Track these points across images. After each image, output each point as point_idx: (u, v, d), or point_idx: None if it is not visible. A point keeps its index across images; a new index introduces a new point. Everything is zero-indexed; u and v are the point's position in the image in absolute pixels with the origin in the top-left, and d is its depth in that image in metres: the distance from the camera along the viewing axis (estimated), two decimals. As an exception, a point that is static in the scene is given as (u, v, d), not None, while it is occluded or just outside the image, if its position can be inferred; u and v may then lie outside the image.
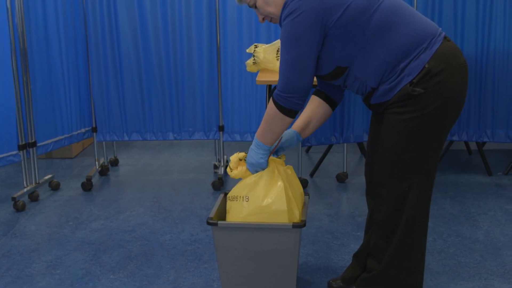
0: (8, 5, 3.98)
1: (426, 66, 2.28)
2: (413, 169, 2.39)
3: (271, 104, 2.44)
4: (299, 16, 2.28)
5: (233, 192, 2.66)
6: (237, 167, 2.66)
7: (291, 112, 2.42)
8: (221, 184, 4.48)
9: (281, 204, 2.57)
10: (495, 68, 4.44)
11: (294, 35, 2.30)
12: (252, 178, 2.60)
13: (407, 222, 2.43)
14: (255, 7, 2.49)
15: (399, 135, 2.35)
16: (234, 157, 2.67)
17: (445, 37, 2.37)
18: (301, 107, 2.42)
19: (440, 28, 2.41)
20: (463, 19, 4.37)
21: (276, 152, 2.68)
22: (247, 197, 2.59)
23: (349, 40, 2.31)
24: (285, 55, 2.35)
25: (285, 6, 2.34)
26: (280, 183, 2.59)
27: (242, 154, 2.66)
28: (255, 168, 2.60)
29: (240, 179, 2.69)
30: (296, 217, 2.62)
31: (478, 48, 4.42)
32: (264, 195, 2.57)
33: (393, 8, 2.33)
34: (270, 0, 2.42)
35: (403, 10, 2.35)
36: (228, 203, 2.71)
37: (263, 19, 2.53)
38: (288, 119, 2.45)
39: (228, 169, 2.71)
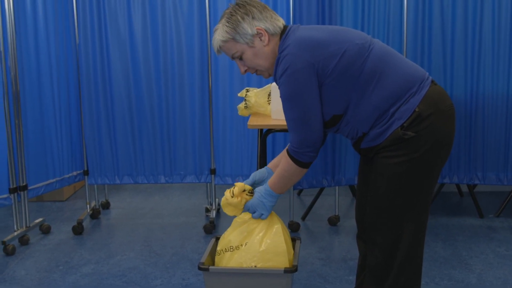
0: (1, 48, 4.01)
1: (416, 110, 2.30)
2: (405, 213, 2.39)
3: (288, 160, 2.44)
4: (295, 72, 2.29)
5: (228, 243, 2.64)
6: (238, 197, 2.62)
7: (308, 164, 2.44)
8: (213, 228, 4.46)
9: (280, 246, 2.57)
10: (484, 112, 4.48)
11: (294, 92, 2.32)
12: (249, 226, 2.60)
13: (400, 265, 2.42)
14: (240, 58, 2.48)
15: (390, 179, 2.36)
16: (240, 185, 2.60)
17: (432, 81, 2.41)
18: (316, 157, 2.45)
19: (427, 73, 2.44)
20: (452, 64, 4.42)
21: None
22: (245, 243, 2.59)
23: (343, 88, 2.34)
24: (290, 112, 2.37)
25: (278, 63, 2.35)
26: (277, 225, 2.60)
27: (248, 188, 2.62)
28: (260, 213, 2.59)
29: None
30: (291, 256, 2.62)
31: (467, 91, 4.46)
32: (262, 238, 2.57)
33: (382, 54, 2.36)
34: (260, 52, 2.43)
35: (391, 56, 2.39)
36: (220, 256, 2.68)
37: (246, 70, 2.52)
38: (305, 170, 2.47)
39: (227, 195, 2.60)
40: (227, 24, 2.42)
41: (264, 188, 2.57)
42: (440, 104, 2.35)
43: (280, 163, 2.53)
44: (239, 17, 2.40)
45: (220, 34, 2.44)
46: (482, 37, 4.38)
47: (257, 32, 2.40)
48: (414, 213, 2.40)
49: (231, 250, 2.62)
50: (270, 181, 2.56)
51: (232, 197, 2.60)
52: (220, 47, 2.47)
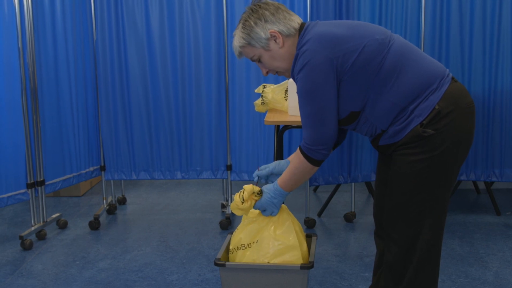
0: (20, 45, 4.04)
1: (436, 107, 2.28)
2: (424, 210, 2.38)
3: (300, 157, 2.43)
4: (314, 67, 2.28)
5: (239, 241, 2.64)
6: (247, 200, 2.61)
7: (320, 162, 2.43)
8: (229, 224, 4.47)
9: (292, 241, 2.56)
10: (502, 108, 4.45)
11: (312, 88, 2.30)
12: (260, 223, 2.60)
13: (418, 262, 2.41)
14: (259, 61, 2.48)
15: (409, 177, 2.35)
16: (249, 188, 2.57)
17: (452, 78, 2.39)
18: (328, 155, 2.43)
19: (448, 70, 2.43)
20: (470, 60, 4.39)
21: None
22: (256, 241, 2.58)
23: (361, 85, 2.32)
24: (306, 108, 2.35)
25: (296, 58, 2.34)
26: (288, 222, 2.59)
27: (257, 189, 2.59)
28: (271, 211, 2.58)
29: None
30: (305, 252, 2.61)
31: (485, 88, 4.43)
32: (273, 234, 2.57)
33: (402, 51, 2.34)
34: (276, 55, 2.42)
35: (412, 53, 2.37)
36: (233, 254, 2.67)
37: (267, 72, 2.52)
38: (316, 168, 2.46)
39: (237, 200, 2.57)
40: (242, 30, 2.43)
41: (273, 187, 2.55)
42: (460, 102, 2.34)
43: (292, 160, 2.52)
44: (252, 23, 2.41)
45: (237, 40, 2.46)
46: (501, 33, 4.35)
47: (271, 35, 2.40)
48: (432, 210, 2.38)
49: (243, 248, 2.62)
50: (280, 179, 2.54)
51: (242, 203, 2.57)
52: (239, 52, 2.50)
